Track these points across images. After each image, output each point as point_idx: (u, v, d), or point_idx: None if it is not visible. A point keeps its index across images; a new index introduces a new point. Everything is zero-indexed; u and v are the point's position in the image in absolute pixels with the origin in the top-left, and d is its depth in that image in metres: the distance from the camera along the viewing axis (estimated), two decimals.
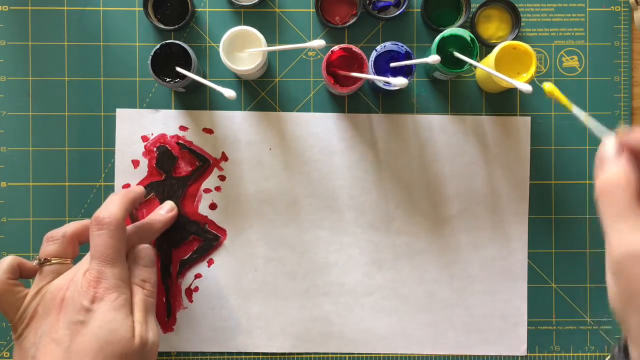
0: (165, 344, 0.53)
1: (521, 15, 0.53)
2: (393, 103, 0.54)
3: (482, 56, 0.53)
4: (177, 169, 0.53)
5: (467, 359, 0.54)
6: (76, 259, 0.46)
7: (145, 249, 0.46)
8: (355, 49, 0.48)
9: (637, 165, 0.34)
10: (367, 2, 0.53)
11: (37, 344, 0.40)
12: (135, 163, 0.53)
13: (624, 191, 0.33)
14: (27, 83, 0.54)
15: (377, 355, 0.54)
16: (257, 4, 0.54)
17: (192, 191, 0.53)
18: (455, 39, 0.49)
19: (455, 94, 0.54)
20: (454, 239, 0.54)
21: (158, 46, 0.48)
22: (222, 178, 0.54)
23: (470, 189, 0.54)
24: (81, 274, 0.41)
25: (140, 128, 0.53)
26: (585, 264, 0.54)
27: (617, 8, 0.54)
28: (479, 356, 0.54)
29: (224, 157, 0.54)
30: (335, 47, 0.48)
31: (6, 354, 0.54)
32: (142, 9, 0.53)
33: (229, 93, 0.44)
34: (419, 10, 0.54)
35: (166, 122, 0.53)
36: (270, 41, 0.53)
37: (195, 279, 0.54)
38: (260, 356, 0.54)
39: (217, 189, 0.54)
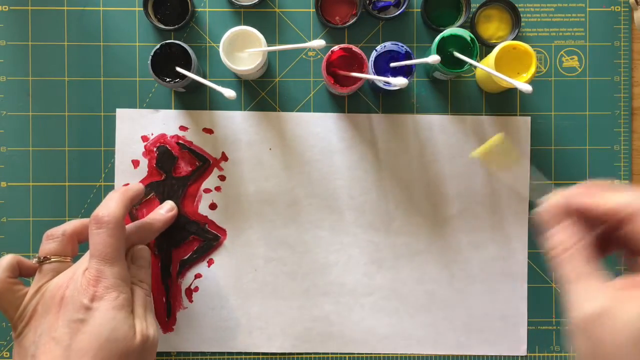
0: (165, 344, 0.53)
1: (521, 15, 0.53)
2: (393, 103, 0.54)
3: (482, 56, 0.53)
4: (177, 169, 0.53)
5: (467, 359, 0.54)
6: (76, 258, 0.46)
7: (142, 250, 0.47)
8: (355, 49, 0.48)
9: (584, 222, 0.35)
10: (367, 2, 0.53)
11: (36, 343, 0.40)
12: (135, 163, 0.53)
13: (579, 254, 0.33)
14: (27, 83, 0.54)
15: (377, 355, 0.54)
16: (257, 4, 0.54)
17: (192, 191, 0.53)
18: (455, 39, 0.49)
19: (455, 94, 0.54)
20: (454, 239, 0.54)
21: (158, 46, 0.48)
22: (222, 178, 0.54)
23: (470, 189, 0.54)
24: (81, 273, 0.41)
25: (140, 128, 0.53)
26: None
27: (617, 8, 0.54)
28: (479, 356, 0.54)
29: (224, 157, 0.54)
30: (335, 47, 0.48)
31: (6, 354, 0.54)
32: (142, 9, 0.53)
33: (229, 93, 0.45)
34: (419, 10, 0.54)
35: (166, 122, 0.53)
36: (270, 41, 0.53)
37: (195, 279, 0.54)
38: (260, 356, 0.54)
39: (217, 189, 0.54)
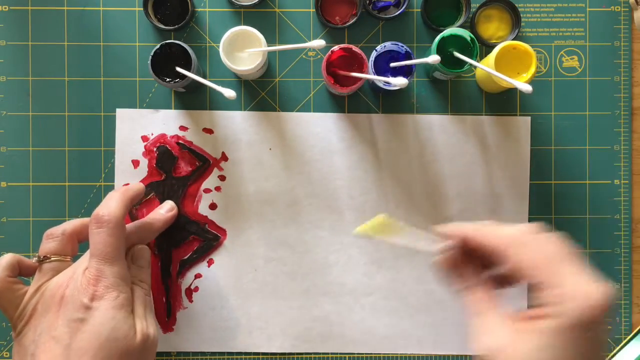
0: (165, 344, 0.53)
1: (521, 15, 0.53)
2: (393, 103, 0.54)
3: (482, 56, 0.53)
4: (177, 169, 0.53)
5: (467, 359, 0.54)
6: (76, 257, 0.46)
7: (143, 250, 0.47)
8: (355, 49, 0.48)
9: (482, 259, 0.37)
10: (367, 2, 0.53)
11: (36, 342, 0.40)
12: (135, 163, 0.53)
13: (479, 291, 0.36)
14: (27, 83, 0.54)
15: (377, 355, 0.54)
16: (257, 4, 0.54)
17: (192, 191, 0.53)
18: (455, 39, 0.49)
19: (455, 94, 0.54)
20: None
21: (158, 46, 0.48)
22: (222, 178, 0.54)
23: (470, 189, 0.54)
24: (81, 272, 0.41)
25: (140, 128, 0.53)
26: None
27: (617, 8, 0.54)
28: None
29: (224, 157, 0.54)
30: (335, 47, 0.48)
31: (6, 354, 0.54)
32: (142, 9, 0.53)
33: (229, 93, 0.45)
34: (419, 10, 0.54)
35: (166, 122, 0.53)
36: (270, 41, 0.53)
37: (195, 279, 0.54)
38: (260, 356, 0.54)
39: (217, 189, 0.54)
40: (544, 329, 0.32)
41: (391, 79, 0.45)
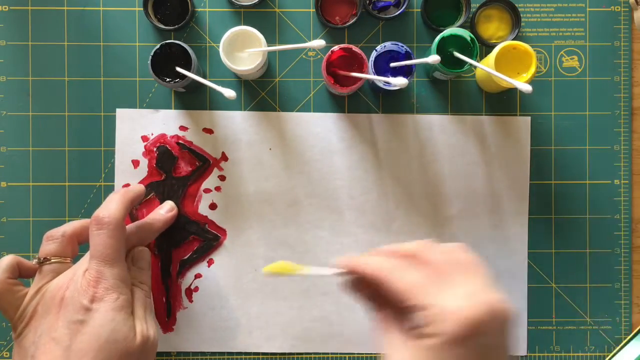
0: (165, 344, 0.53)
1: (521, 15, 0.53)
2: (393, 103, 0.54)
3: (482, 56, 0.53)
4: (177, 169, 0.53)
5: None
6: (76, 259, 0.46)
7: (143, 252, 0.47)
8: (355, 49, 0.48)
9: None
10: (367, 2, 0.53)
11: (36, 343, 0.40)
12: (135, 163, 0.53)
13: (383, 316, 0.37)
14: (27, 83, 0.54)
15: (377, 355, 0.54)
16: (257, 4, 0.54)
17: (192, 191, 0.53)
18: (455, 39, 0.49)
19: (455, 94, 0.54)
20: (454, 238, 0.54)
21: (158, 46, 0.48)
22: (222, 178, 0.54)
23: (470, 189, 0.54)
24: (81, 274, 0.41)
25: (140, 128, 0.53)
26: (585, 264, 0.54)
27: (617, 8, 0.54)
28: None
29: (224, 157, 0.54)
30: (335, 47, 0.48)
31: (6, 354, 0.54)
32: (142, 9, 0.53)
33: (229, 93, 0.45)
34: (419, 10, 0.54)
35: (166, 122, 0.53)
36: (270, 41, 0.53)
37: (195, 279, 0.54)
38: (260, 356, 0.54)
39: (217, 189, 0.54)
40: (429, 347, 0.33)
41: (391, 79, 0.45)
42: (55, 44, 0.54)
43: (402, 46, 0.49)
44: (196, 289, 0.54)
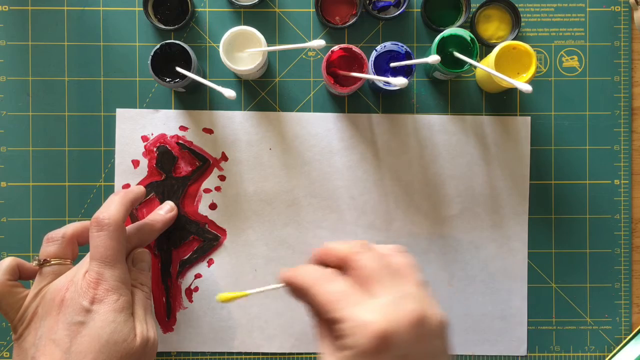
0: (165, 344, 0.53)
1: (521, 15, 0.53)
2: (393, 103, 0.54)
3: (482, 56, 0.53)
4: (177, 169, 0.53)
5: (467, 359, 0.54)
6: (76, 260, 0.46)
7: (143, 253, 0.47)
8: (355, 49, 0.48)
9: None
10: (367, 2, 0.53)
11: (36, 345, 0.40)
12: (135, 163, 0.53)
13: (318, 326, 0.37)
14: (27, 83, 0.54)
15: None
16: (257, 4, 0.54)
17: (192, 191, 0.53)
18: (455, 39, 0.49)
19: (455, 94, 0.54)
20: (454, 238, 0.54)
21: (158, 46, 0.48)
22: (222, 178, 0.54)
23: (470, 189, 0.54)
24: (81, 275, 0.41)
25: (140, 128, 0.53)
26: (585, 264, 0.54)
27: (617, 8, 0.54)
28: (479, 356, 0.54)
29: (224, 157, 0.54)
30: (335, 47, 0.48)
31: (6, 354, 0.54)
32: (142, 9, 0.53)
33: (229, 93, 0.44)
34: (419, 10, 0.54)
35: (166, 122, 0.53)
36: (270, 41, 0.53)
37: (195, 279, 0.54)
38: (260, 356, 0.54)
39: (217, 189, 0.54)
40: (347, 358, 0.33)
41: (391, 79, 0.45)
42: (55, 44, 0.54)
43: (402, 46, 0.49)
44: (196, 289, 0.54)
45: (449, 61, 0.49)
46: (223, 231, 0.54)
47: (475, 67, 0.47)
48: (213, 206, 0.54)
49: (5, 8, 0.54)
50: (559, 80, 0.54)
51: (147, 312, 0.44)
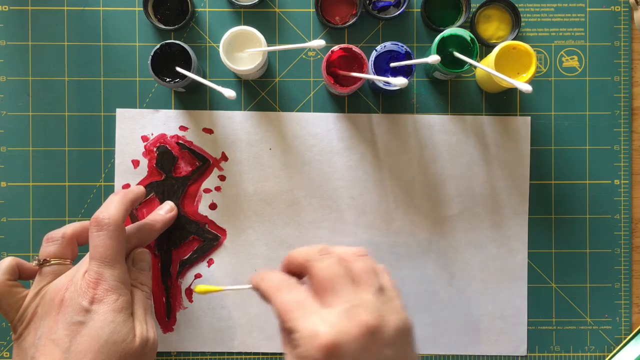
0: (165, 344, 0.53)
1: (521, 15, 0.53)
2: (393, 103, 0.54)
3: (482, 56, 0.53)
4: (177, 169, 0.53)
5: (467, 359, 0.54)
6: (76, 260, 0.46)
7: (143, 253, 0.47)
8: (355, 49, 0.48)
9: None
10: (367, 2, 0.53)
11: (36, 345, 0.40)
12: (135, 163, 0.53)
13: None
14: (27, 83, 0.54)
15: None
16: (257, 4, 0.54)
17: (192, 191, 0.53)
18: (455, 39, 0.49)
19: (455, 94, 0.54)
20: (454, 238, 0.54)
21: (158, 46, 0.48)
22: (222, 178, 0.54)
23: (470, 189, 0.54)
24: (80, 275, 0.41)
25: (140, 128, 0.53)
26: (585, 264, 0.54)
27: (617, 8, 0.54)
28: (479, 356, 0.54)
29: (224, 157, 0.54)
30: (335, 47, 0.48)
31: (6, 354, 0.54)
32: (142, 9, 0.53)
33: (229, 93, 0.44)
34: (419, 10, 0.54)
35: (166, 122, 0.53)
36: (270, 41, 0.53)
37: (195, 279, 0.54)
38: (260, 356, 0.54)
39: (217, 189, 0.54)
40: None
41: (391, 79, 0.45)
42: (55, 44, 0.54)
43: (402, 46, 0.49)
44: None
45: (449, 61, 0.49)
46: (223, 231, 0.54)
47: (475, 67, 0.47)
48: (213, 206, 0.54)
49: (5, 8, 0.54)
50: (559, 80, 0.54)
51: (146, 312, 0.44)
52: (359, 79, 0.48)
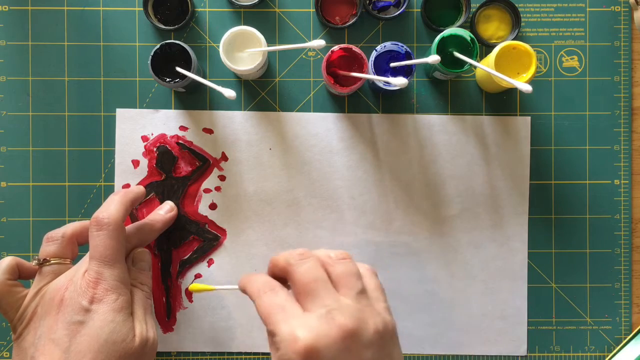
0: (165, 344, 0.53)
1: (521, 15, 0.53)
2: (393, 103, 0.54)
3: (482, 56, 0.53)
4: (177, 169, 0.53)
5: (467, 359, 0.54)
6: (76, 260, 0.46)
7: (143, 253, 0.47)
8: (355, 49, 0.48)
9: None
10: (367, 2, 0.53)
11: (36, 344, 0.40)
12: (135, 163, 0.53)
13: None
14: (27, 83, 0.54)
15: None
16: (257, 4, 0.54)
17: (192, 191, 0.53)
18: (455, 39, 0.49)
19: (455, 94, 0.54)
20: (454, 238, 0.54)
21: (158, 46, 0.48)
22: (222, 178, 0.54)
23: (470, 189, 0.54)
24: (80, 275, 0.41)
25: (140, 128, 0.53)
26: (585, 264, 0.54)
27: (617, 8, 0.54)
28: (479, 356, 0.54)
29: (224, 157, 0.54)
30: (335, 47, 0.48)
31: (6, 354, 0.54)
32: (142, 9, 0.53)
33: (229, 93, 0.44)
34: (419, 10, 0.54)
35: (166, 122, 0.53)
36: (270, 41, 0.53)
37: (195, 279, 0.54)
38: (260, 356, 0.54)
39: (217, 189, 0.54)
40: None
41: (391, 79, 0.45)
42: (55, 44, 0.54)
43: (402, 46, 0.49)
44: None
45: (449, 61, 0.49)
46: (223, 231, 0.54)
47: (475, 67, 0.47)
48: (213, 206, 0.54)
49: (5, 8, 0.54)
50: (559, 80, 0.54)
51: (146, 312, 0.44)
52: (359, 79, 0.48)
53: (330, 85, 0.49)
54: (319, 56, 0.54)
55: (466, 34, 0.48)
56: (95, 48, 0.54)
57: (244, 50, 0.49)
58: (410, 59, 0.48)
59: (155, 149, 0.53)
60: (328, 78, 0.48)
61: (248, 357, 0.54)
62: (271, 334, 0.35)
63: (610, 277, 0.54)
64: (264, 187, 0.54)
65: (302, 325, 0.34)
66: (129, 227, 0.47)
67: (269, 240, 0.54)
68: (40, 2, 0.54)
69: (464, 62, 0.48)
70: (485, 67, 0.47)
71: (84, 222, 0.46)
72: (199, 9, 0.54)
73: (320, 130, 0.54)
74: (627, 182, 0.54)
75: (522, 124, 0.54)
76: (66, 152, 0.54)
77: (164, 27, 0.53)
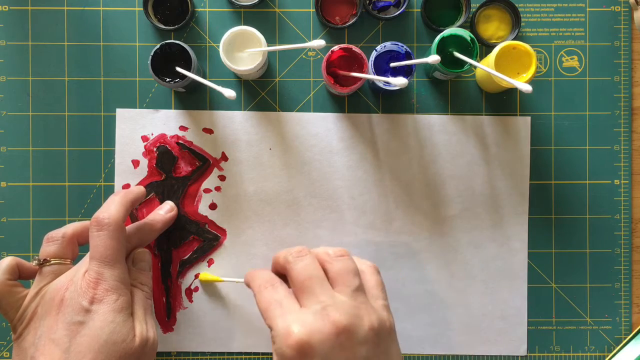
0: (165, 344, 0.53)
1: (521, 15, 0.53)
2: (393, 103, 0.54)
3: (482, 56, 0.53)
4: (177, 169, 0.53)
5: (467, 359, 0.54)
6: (76, 260, 0.46)
7: (144, 253, 0.47)
8: (355, 49, 0.48)
9: None
10: (367, 2, 0.53)
11: (36, 344, 0.40)
12: (135, 163, 0.53)
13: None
14: (27, 83, 0.54)
15: None
16: (257, 4, 0.54)
17: (192, 191, 0.53)
18: (455, 39, 0.49)
19: (455, 94, 0.54)
20: (454, 238, 0.54)
21: (158, 46, 0.48)
22: (222, 178, 0.54)
23: (470, 189, 0.54)
24: (80, 275, 0.41)
25: (140, 128, 0.53)
26: (585, 264, 0.54)
27: (617, 8, 0.54)
28: (479, 356, 0.54)
29: (224, 157, 0.54)
30: (335, 47, 0.48)
31: (6, 354, 0.54)
32: (142, 9, 0.53)
33: (229, 93, 0.44)
34: (419, 10, 0.54)
35: (166, 122, 0.53)
36: (270, 41, 0.53)
37: (195, 279, 0.54)
38: (260, 356, 0.54)
39: (217, 189, 0.54)
40: None
41: (391, 79, 0.45)
42: (55, 44, 0.54)
43: (402, 46, 0.49)
44: (196, 289, 0.54)
45: (449, 61, 0.49)
46: (223, 231, 0.54)
47: (475, 67, 0.47)
48: (213, 206, 0.54)
49: (5, 8, 0.54)
50: (559, 80, 0.54)
51: (146, 312, 0.44)
52: (359, 79, 0.48)
53: (330, 85, 0.49)
54: (319, 56, 0.54)
55: (466, 34, 0.48)
56: (95, 48, 0.54)
57: (244, 50, 0.49)
58: (410, 59, 0.48)
59: (155, 149, 0.53)
60: (328, 78, 0.48)
61: (248, 357, 0.54)
62: (269, 328, 0.37)
63: (610, 277, 0.54)
64: (264, 187, 0.54)
65: (297, 321, 0.35)
66: (129, 227, 0.47)
67: (269, 240, 0.54)
68: (40, 2, 0.54)
69: (464, 62, 0.48)
70: (485, 67, 0.47)
71: (84, 223, 0.46)
72: (199, 9, 0.54)
73: (320, 130, 0.54)
74: (627, 182, 0.54)
75: (522, 124, 0.54)
76: (66, 152, 0.54)
77: (164, 27, 0.53)
